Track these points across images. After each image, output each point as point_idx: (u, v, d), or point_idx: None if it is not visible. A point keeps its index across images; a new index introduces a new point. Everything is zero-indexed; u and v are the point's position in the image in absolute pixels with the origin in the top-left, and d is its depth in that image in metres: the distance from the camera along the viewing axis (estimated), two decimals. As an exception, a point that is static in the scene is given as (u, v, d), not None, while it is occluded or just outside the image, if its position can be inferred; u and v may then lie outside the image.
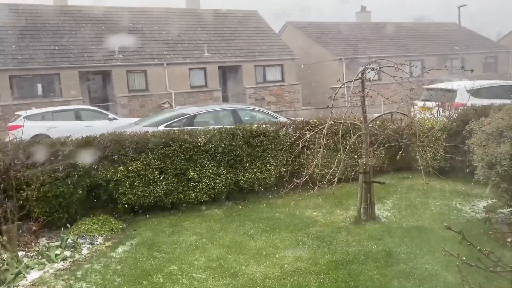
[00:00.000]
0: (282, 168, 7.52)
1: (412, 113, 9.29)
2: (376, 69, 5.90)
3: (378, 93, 5.97)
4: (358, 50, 27.52)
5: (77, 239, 5.71)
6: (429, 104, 11.50)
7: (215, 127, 7.79)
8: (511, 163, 4.88)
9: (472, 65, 29.55)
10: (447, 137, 7.86)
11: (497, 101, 8.80)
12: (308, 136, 6.52)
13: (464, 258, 2.67)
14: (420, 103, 12.13)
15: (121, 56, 21.17)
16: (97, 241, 5.80)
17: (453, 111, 8.66)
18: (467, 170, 6.86)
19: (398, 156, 6.65)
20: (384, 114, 7.08)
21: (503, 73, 30.53)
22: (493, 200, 6.33)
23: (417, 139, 6.08)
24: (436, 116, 8.97)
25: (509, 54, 33.06)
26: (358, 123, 6.41)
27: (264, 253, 5.18)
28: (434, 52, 29.60)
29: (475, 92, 11.73)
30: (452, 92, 11.96)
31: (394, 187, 7.55)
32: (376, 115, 7.23)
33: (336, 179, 6.13)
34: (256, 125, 7.67)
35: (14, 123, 13.80)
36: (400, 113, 6.54)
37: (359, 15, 33.48)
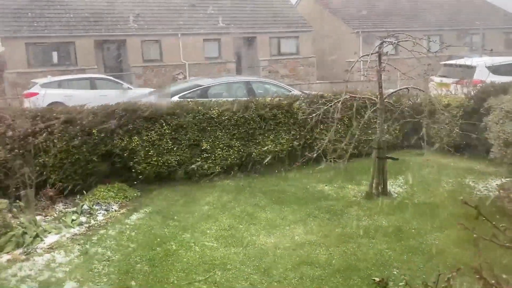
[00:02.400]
0: (295, 142, 7.53)
1: (429, 89, 9.15)
2: (394, 43, 5.78)
3: (395, 68, 5.87)
4: (376, 23, 26.88)
5: (92, 206, 5.85)
6: (446, 80, 11.31)
7: (229, 99, 7.78)
8: (528, 142, 4.81)
9: (493, 41, 28.84)
10: (463, 114, 7.74)
11: (517, 79, 8.59)
12: (322, 110, 6.48)
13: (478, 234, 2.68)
14: (437, 79, 11.93)
15: (136, 25, 21.05)
16: (112, 208, 5.93)
17: (471, 87, 8.49)
18: (483, 148, 6.79)
19: (421, 133, 6.53)
20: (400, 89, 6.98)
21: (525, 50, 29.64)
22: (508, 179, 6.28)
23: (427, 116, 6.00)
24: (453, 92, 8.82)
25: (533, 31, 31.98)
26: (374, 98, 6.34)
27: (275, 224, 5.26)
28: (453, 27, 28.78)
29: (495, 69, 11.47)
30: (470, 68, 11.72)
31: (407, 163, 7.52)
32: (391, 90, 7.14)
33: (348, 154, 6.13)
34: (269, 98, 7.64)
35: (30, 91, 13.94)
36: (417, 88, 6.44)
37: (378, -13, 32.50)
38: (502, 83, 7.91)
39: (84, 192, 6.22)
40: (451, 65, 13.04)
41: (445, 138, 7.63)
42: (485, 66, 11.52)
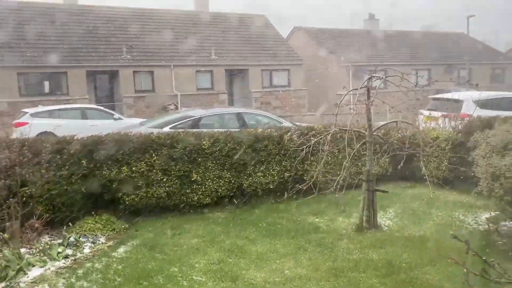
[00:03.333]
0: (286, 173, 7.53)
1: (417, 123, 9.28)
2: (382, 78, 5.90)
3: (384, 102, 5.97)
4: (365, 57, 27.51)
5: (79, 238, 5.74)
6: (435, 113, 11.49)
7: (220, 130, 7.81)
8: (515, 175, 4.86)
9: (479, 75, 29.57)
10: (452, 148, 7.84)
11: (503, 113, 8.76)
12: (312, 142, 6.53)
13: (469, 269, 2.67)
14: (426, 113, 12.13)
15: (129, 56, 21.29)
16: (99, 241, 5.82)
17: (459, 121, 8.64)
18: (471, 181, 6.84)
19: (399, 166, 6.62)
20: (389, 122, 7.08)
21: (511, 85, 30.39)
22: (496, 212, 6.30)
23: (421, 148, 6.07)
24: (441, 126, 8.96)
25: (517, 66, 32.91)
26: (363, 131, 6.42)
27: (265, 258, 5.18)
28: (441, 62, 29.53)
29: (482, 103, 11.70)
30: (458, 102, 11.94)
31: (397, 196, 7.53)
32: (381, 123, 7.23)
33: (339, 186, 6.14)
34: (260, 130, 7.69)
35: (20, 120, 13.89)
36: (405, 122, 6.53)
37: (367, 23, 33.46)
38: (488, 117, 8.06)
39: (71, 224, 6.11)
40: (439, 98, 13.29)
41: (434, 171, 7.69)
42: (472, 100, 11.75)
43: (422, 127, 8.96)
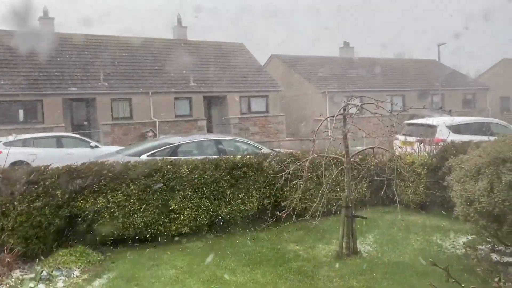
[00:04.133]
0: (265, 200, 7.50)
1: (394, 148, 9.45)
2: (358, 106, 6.03)
3: (360, 129, 6.07)
4: (341, 84, 28.11)
5: (52, 271, 5.53)
6: (410, 138, 11.74)
7: (199, 157, 7.77)
8: (489, 199, 4.97)
9: (451, 101, 30.49)
10: (427, 172, 7.98)
11: (475, 137, 9.02)
12: (291, 168, 6.56)
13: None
14: (402, 138, 12.38)
15: (106, 84, 21.18)
16: (74, 274, 5.62)
17: (434, 146, 8.83)
18: (447, 205, 6.95)
19: (382, 192, 6.69)
20: (366, 148, 7.18)
21: (481, 110, 31.43)
22: (473, 236, 6.40)
23: (395, 175, 6.16)
24: (417, 151, 9.13)
25: (487, 91, 34.14)
26: (340, 157, 6.49)
27: (244, 288, 5.10)
28: (414, 88, 30.42)
29: (455, 128, 12.02)
30: (432, 127, 12.24)
31: (376, 222, 7.57)
32: (359, 148, 7.33)
33: (318, 213, 6.15)
34: (239, 157, 7.68)
35: (-7, 149, 13.52)
36: (381, 148, 6.64)
37: (342, 50, 34.36)
38: (461, 142, 8.27)
39: (43, 258, 5.89)
40: (414, 124, 13.60)
41: (411, 196, 7.79)
42: (446, 126, 12.07)
43: (399, 152, 9.13)
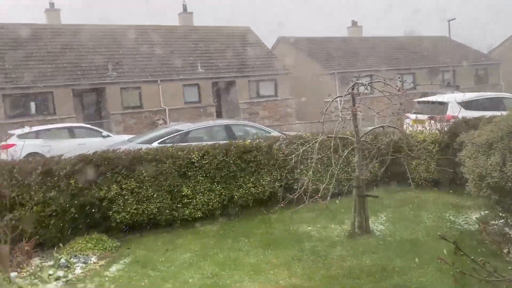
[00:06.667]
0: (276, 183, 7.54)
1: (405, 126, 9.38)
2: (366, 84, 5.97)
3: (369, 108, 6.03)
4: (350, 64, 27.81)
5: (70, 259, 5.67)
6: (421, 116, 11.63)
7: (209, 143, 7.81)
8: (501, 174, 4.93)
9: (463, 77, 29.99)
10: (439, 150, 7.92)
11: (487, 113, 8.90)
12: (300, 151, 6.56)
13: (458, 268, 2.70)
14: (413, 116, 12.26)
15: (115, 73, 21.26)
16: (91, 260, 5.76)
17: (445, 123, 8.74)
18: (459, 182, 6.91)
19: (381, 170, 6.65)
20: (375, 128, 7.14)
21: (494, 85, 30.91)
22: (486, 212, 6.37)
23: (404, 153, 6.13)
24: (428, 128, 9.06)
25: (499, 66, 33.50)
26: (350, 137, 6.46)
27: (259, 269, 5.17)
28: (425, 65, 29.96)
29: (466, 104, 11.86)
30: (443, 104, 12.09)
31: (387, 200, 7.56)
32: (369, 128, 7.29)
33: (329, 194, 6.16)
34: (249, 141, 7.70)
35: (7, 142, 13.73)
36: (392, 126, 6.60)
37: (350, 30, 33.89)
38: (473, 118, 8.17)
39: (61, 245, 6.03)
40: (424, 102, 13.45)
41: (423, 174, 7.75)
42: (457, 102, 11.91)
43: (410, 131, 9.05)
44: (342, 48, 29.86)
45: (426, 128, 9.10)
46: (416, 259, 5.03)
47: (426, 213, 6.82)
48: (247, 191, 7.32)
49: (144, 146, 7.98)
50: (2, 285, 4.78)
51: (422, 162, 7.75)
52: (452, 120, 8.83)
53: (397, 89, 5.70)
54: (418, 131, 8.89)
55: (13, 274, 5.21)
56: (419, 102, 13.49)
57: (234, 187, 7.27)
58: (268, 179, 7.50)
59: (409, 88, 6.31)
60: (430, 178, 7.83)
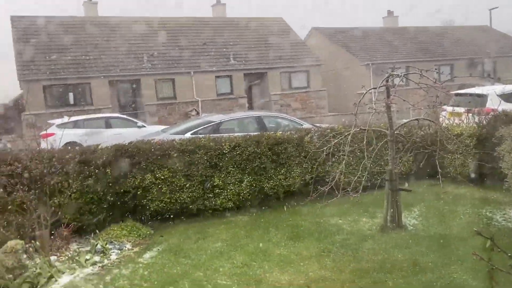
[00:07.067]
0: (307, 175, 7.52)
1: (441, 119, 9.12)
2: (401, 75, 5.84)
3: (404, 100, 5.90)
4: (385, 55, 27.21)
5: (106, 245, 5.86)
6: (458, 109, 11.27)
7: (240, 134, 7.87)
8: (543, 170, 4.74)
9: (505, 68, 28.76)
10: (476, 144, 7.67)
11: (530, 106, 8.55)
12: (332, 143, 6.50)
13: (495, 265, 2.63)
14: (449, 109, 11.90)
15: (150, 65, 21.64)
16: (125, 247, 5.94)
17: (483, 116, 8.45)
18: (498, 177, 6.69)
19: (421, 164, 6.52)
20: (410, 120, 6.99)
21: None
22: (526, 209, 6.15)
23: (438, 146, 5.97)
24: (465, 122, 8.78)
25: (544, 57, 31.92)
26: (384, 130, 6.35)
27: (288, 260, 5.19)
28: (464, 56, 28.92)
29: (507, 97, 11.40)
30: (482, 97, 11.68)
31: (421, 195, 7.42)
32: (404, 120, 7.14)
33: (361, 187, 6.09)
34: (280, 133, 7.70)
35: (47, 131, 14.27)
36: (427, 119, 6.44)
37: (386, 20, 33.10)
38: (513, 111, 7.86)
39: (98, 231, 6.25)
40: (462, 94, 13.02)
41: (459, 168, 7.54)
42: (497, 95, 11.47)
43: (446, 124, 8.81)
44: (377, 38, 29.22)
45: (463, 121, 8.83)
46: (450, 255, 4.93)
47: (462, 208, 6.64)
48: (277, 182, 7.34)
49: (177, 137, 8.11)
50: (43, 268, 5.01)
51: (458, 156, 7.52)
52: (491, 113, 8.52)
53: (434, 81, 5.54)
54: (454, 124, 8.63)
55: (52, 257, 5.45)
56: (456, 95, 13.07)
57: (265, 179, 7.30)
58: (299, 171, 7.49)
59: (446, 79, 6.11)
60: (466, 172, 7.61)
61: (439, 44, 30.12)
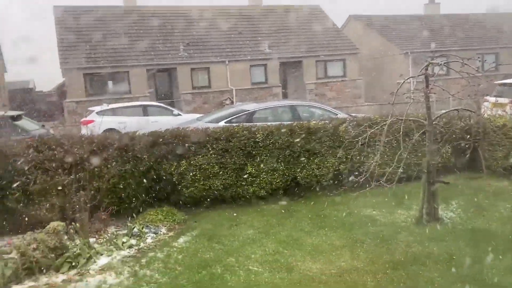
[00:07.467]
0: (341, 165, 7.44)
1: (483, 110, 8.79)
2: (441, 64, 5.65)
3: (444, 89, 5.72)
4: (425, 43, 26.32)
5: (142, 229, 6.04)
6: (502, 100, 10.83)
7: (274, 123, 7.86)
8: None
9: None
10: (520, 136, 7.35)
11: None
12: (368, 133, 6.39)
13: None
14: (492, 99, 11.45)
15: (186, 54, 21.88)
16: (161, 231, 6.10)
17: (529, 107, 8.08)
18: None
19: (467, 156, 6.31)
20: (450, 111, 6.76)
21: None
22: None
23: (481, 137, 5.75)
24: (509, 113, 8.43)
25: None
26: (422, 120, 6.19)
27: (320, 249, 5.19)
28: (509, 45, 27.58)
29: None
30: (528, 87, 11.15)
31: (460, 188, 7.19)
32: (442, 111, 6.92)
33: (396, 178, 5.98)
34: (314, 122, 7.64)
35: (87, 118, 14.75)
36: (468, 110, 6.21)
37: (427, 7, 31.95)
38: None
39: (134, 216, 6.44)
40: (506, 84, 12.48)
41: (501, 161, 7.26)
42: (544, 85, 10.92)
43: (488, 115, 8.48)
44: (417, 26, 28.26)
45: (507, 112, 8.47)
46: (488, 250, 4.78)
47: (502, 202, 6.41)
48: (310, 172, 7.30)
49: (212, 125, 8.20)
50: (82, 249, 5.22)
51: (501, 148, 7.24)
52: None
53: (476, 69, 5.33)
54: (497, 115, 8.29)
55: (91, 239, 5.67)
56: (500, 85, 12.54)
57: (298, 168, 7.28)
58: (333, 161, 7.42)
59: (489, 69, 5.86)
60: (509, 166, 7.32)
61: (482, 32, 28.83)
